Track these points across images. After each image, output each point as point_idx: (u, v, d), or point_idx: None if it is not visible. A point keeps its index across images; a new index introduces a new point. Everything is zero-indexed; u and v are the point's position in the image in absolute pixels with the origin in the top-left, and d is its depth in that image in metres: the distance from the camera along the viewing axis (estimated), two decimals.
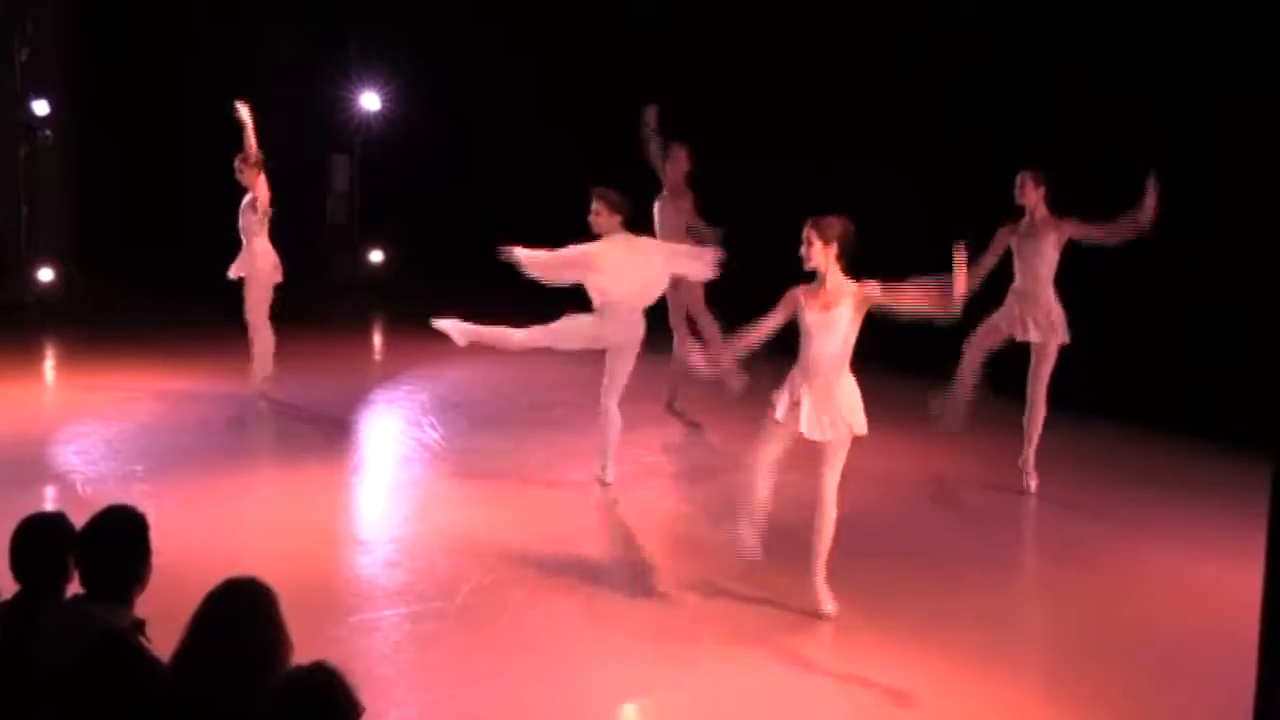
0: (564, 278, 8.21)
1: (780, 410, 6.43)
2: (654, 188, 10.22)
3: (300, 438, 10.31)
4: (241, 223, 10.59)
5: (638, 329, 8.37)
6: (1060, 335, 8.29)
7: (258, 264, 10.53)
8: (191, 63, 15.62)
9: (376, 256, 16.57)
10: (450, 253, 16.15)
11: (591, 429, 8.85)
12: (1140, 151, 9.33)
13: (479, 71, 15.87)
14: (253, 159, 10.45)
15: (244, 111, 10.44)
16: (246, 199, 10.57)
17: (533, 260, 8.14)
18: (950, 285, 6.08)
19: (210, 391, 11.17)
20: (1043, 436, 8.51)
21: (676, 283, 10.17)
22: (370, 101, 15.86)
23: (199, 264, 15.03)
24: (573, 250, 8.19)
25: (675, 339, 10.38)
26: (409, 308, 15.28)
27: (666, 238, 9.83)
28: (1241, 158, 9.44)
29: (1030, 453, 8.52)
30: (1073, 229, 8.19)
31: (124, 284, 15.42)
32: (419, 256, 16.30)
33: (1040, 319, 8.25)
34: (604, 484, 8.63)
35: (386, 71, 15.84)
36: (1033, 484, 8.56)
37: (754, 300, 6.66)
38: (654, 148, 10.10)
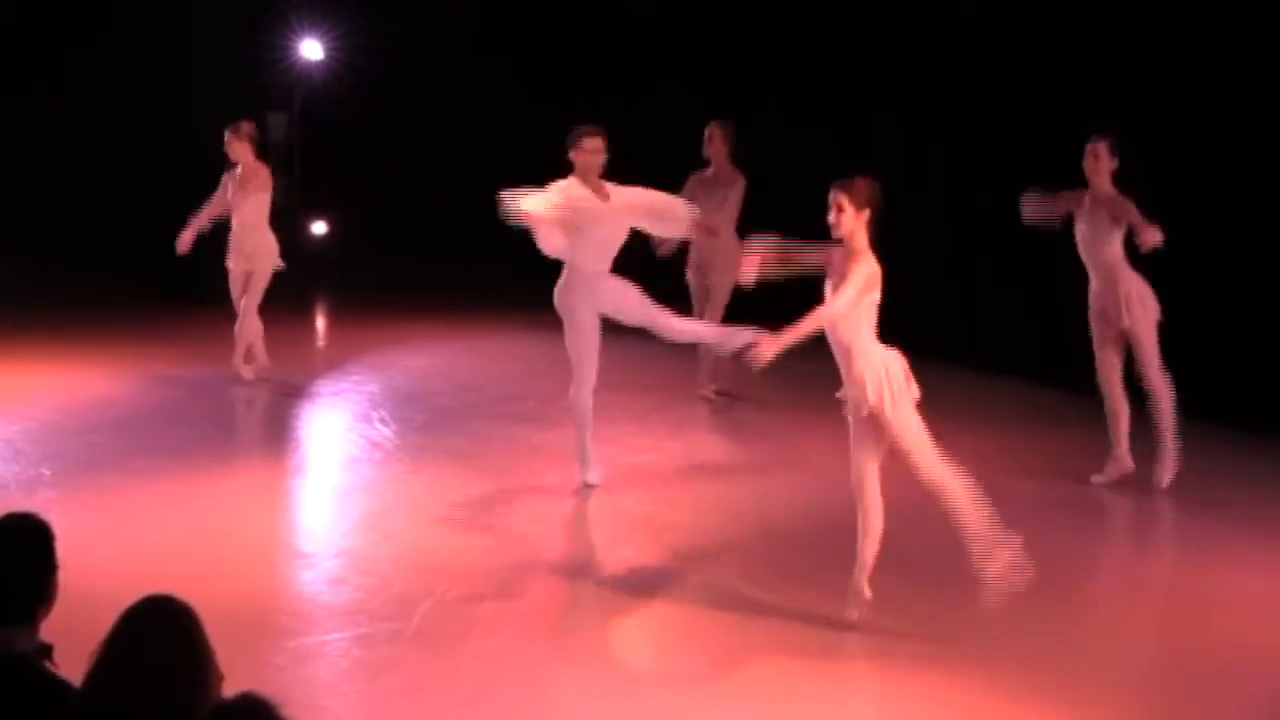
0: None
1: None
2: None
3: (232, 436, 10.27)
4: (234, 202, 10.62)
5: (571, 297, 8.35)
6: (1152, 312, 8.39)
7: (264, 253, 10.69)
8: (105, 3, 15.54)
9: (319, 228, 16.50)
10: (402, 222, 16.11)
11: (569, 424, 8.81)
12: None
13: (436, 17, 15.79)
14: (244, 131, 10.57)
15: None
16: (235, 175, 10.57)
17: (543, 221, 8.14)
18: None
19: (127, 384, 11.11)
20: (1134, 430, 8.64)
21: (703, 264, 10.22)
22: (312, 50, 15.77)
23: (110, 240, 15.05)
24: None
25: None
26: (357, 285, 15.31)
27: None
28: None
29: (1169, 441, 8.54)
30: (1129, 213, 8.27)
31: (26, 262, 15.32)
32: (367, 227, 16.24)
33: (1117, 306, 8.38)
34: (587, 486, 8.62)
35: (332, 15, 15.74)
36: (1167, 477, 8.61)
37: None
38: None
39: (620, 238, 8.35)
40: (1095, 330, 8.61)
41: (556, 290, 8.34)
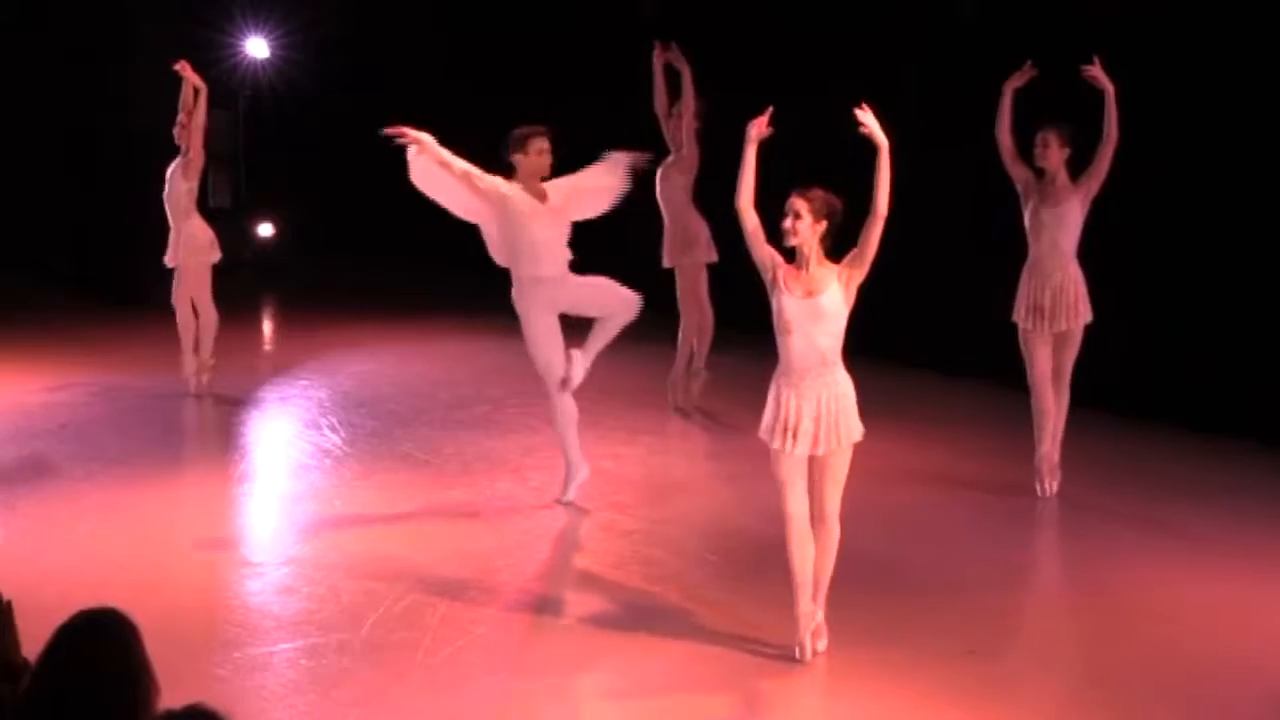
0: (441, 195, 8.13)
1: (778, 439, 6.28)
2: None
3: (177, 443, 10.21)
4: (169, 194, 10.56)
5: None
6: (1086, 314, 8.41)
7: (190, 249, 10.57)
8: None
9: (265, 230, 16.44)
10: (351, 225, 16.05)
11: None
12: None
13: (388, 15, 15.75)
14: (200, 119, 10.52)
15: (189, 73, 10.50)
16: (176, 166, 10.50)
17: (429, 152, 8.05)
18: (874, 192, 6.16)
19: (68, 392, 11.05)
20: (1067, 433, 8.62)
21: (684, 263, 10.21)
22: (258, 48, 15.69)
23: (46, 243, 14.94)
24: (474, 171, 8.10)
25: (681, 329, 10.39)
26: (304, 289, 15.24)
27: (671, 213, 10.12)
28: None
29: (1055, 450, 8.59)
30: (1090, 184, 8.29)
31: None
32: (315, 230, 16.18)
33: (1067, 300, 8.36)
34: (564, 503, 8.53)
35: (279, 12, 15.67)
36: (1054, 485, 8.64)
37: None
38: (660, 97, 10.10)
39: (561, 238, 8.20)
40: (1031, 324, 8.45)
41: (512, 295, 8.30)
